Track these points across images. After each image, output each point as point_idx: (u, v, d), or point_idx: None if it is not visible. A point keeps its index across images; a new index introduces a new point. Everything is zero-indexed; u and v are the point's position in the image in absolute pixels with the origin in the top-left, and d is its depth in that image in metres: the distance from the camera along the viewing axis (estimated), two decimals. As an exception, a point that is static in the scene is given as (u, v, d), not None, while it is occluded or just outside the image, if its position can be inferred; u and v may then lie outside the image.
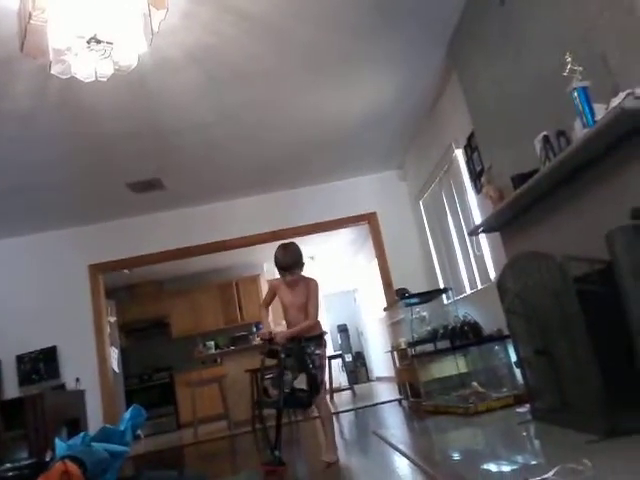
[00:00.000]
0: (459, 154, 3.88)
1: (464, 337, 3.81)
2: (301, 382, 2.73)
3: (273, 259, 2.85)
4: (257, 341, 7.04)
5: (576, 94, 1.98)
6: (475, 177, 3.60)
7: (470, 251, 3.99)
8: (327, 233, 5.78)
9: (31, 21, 2.03)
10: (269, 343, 2.84)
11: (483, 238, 3.66)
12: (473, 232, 3.25)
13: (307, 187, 5.40)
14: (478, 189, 3.54)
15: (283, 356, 2.76)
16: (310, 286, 2.86)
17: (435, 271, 4.91)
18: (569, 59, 2.01)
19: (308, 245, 6.37)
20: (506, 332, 3.12)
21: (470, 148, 3.61)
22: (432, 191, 4.68)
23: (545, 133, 2.31)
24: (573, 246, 2.20)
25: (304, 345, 2.80)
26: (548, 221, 2.54)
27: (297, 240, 5.17)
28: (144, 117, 3.47)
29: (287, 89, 3.54)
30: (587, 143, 1.93)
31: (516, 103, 2.69)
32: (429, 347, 4.12)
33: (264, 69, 3.23)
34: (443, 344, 3.96)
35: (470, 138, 3.56)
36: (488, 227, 3.10)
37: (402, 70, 3.61)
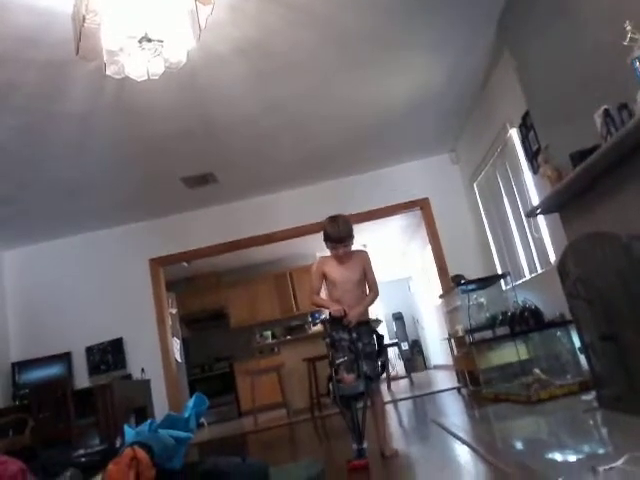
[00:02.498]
0: (514, 134, 3.75)
1: (524, 323, 3.69)
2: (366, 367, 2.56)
3: (323, 234, 2.66)
4: (317, 326, 7.11)
5: (638, 64, 1.87)
6: (531, 157, 3.47)
7: (528, 234, 3.86)
8: (379, 220, 5.72)
9: (85, 24, 2.10)
10: (339, 321, 2.59)
11: (542, 220, 3.53)
12: (531, 214, 3.14)
13: (357, 175, 5.37)
14: (535, 169, 3.42)
15: (355, 336, 2.56)
16: (365, 258, 2.72)
17: (492, 256, 4.79)
18: (629, 27, 1.90)
19: (360, 233, 6.32)
20: (569, 317, 3.01)
21: (525, 127, 3.48)
22: (486, 173, 4.55)
23: (606, 107, 2.19)
24: (639, 225, 2.09)
25: (373, 326, 2.70)
26: (611, 200, 2.41)
27: (361, 227, 5.18)
28: (195, 112, 3.55)
29: (333, 77, 3.53)
30: (653, 114, 1.82)
31: (573, 77, 2.56)
32: (487, 334, 4.03)
33: (310, 59, 3.23)
34: (502, 331, 3.86)
35: (525, 117, 3.43)
36: (546, 208, 2.98)
37: (451, 50, 3.52)
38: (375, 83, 3.74)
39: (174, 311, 6.44)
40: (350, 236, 2.64)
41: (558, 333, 3.60)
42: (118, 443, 2.80)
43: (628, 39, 1.89)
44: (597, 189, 2.49)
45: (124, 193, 4.69)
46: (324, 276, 2.72)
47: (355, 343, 2.57)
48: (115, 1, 2.04)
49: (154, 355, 5.20)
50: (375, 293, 2.73)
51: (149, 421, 2.30)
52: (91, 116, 3.27)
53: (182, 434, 2.18)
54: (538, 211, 3.04)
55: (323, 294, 2.80)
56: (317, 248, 7.83)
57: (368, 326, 2.70)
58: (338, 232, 2.61)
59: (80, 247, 5.46)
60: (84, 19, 2.09)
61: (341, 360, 2.55)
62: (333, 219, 2.70)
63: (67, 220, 5.05)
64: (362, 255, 2.75)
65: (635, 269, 1.85)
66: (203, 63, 2.87)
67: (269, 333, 7.98)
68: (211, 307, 8.12)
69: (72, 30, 2.22)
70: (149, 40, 2.06)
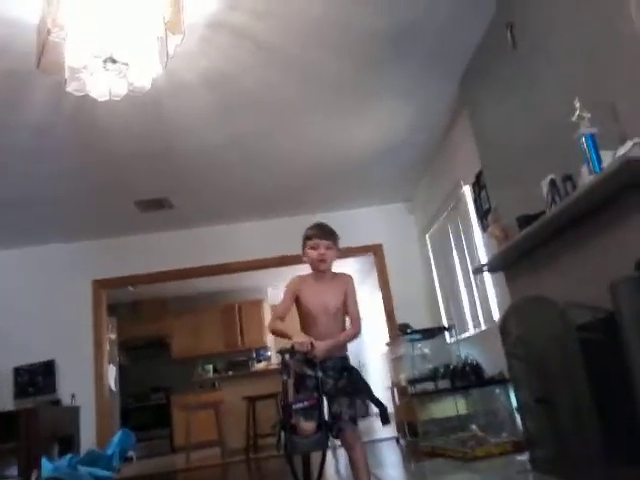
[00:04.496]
0: (467, 191, 3.87)
1: (465, 378, 3.73)
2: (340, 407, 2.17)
3: (303, 237, 2.34)
4: (261, 363, 6.94)
5: (584, 140, 1.97)
6: (482, 215, 3.58)
7: (474, 290, 3.95)
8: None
9: (49, 37, 2.07)
10: (303, 356, 2.17)
11: (488, 277, 3.62)
12: (477, 271, 3.21)
13: (313, 214, 5.36)
14: (484, 227, 3.52)
15: (320, 375, 2.14)
16: (348, 284, 2.33)
17: (439, 308, 4.86)
18: (578, 105, 2.01)
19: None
20: (508, 375, 3.05)
21: (478, 186, 3.60)
22: (439, 226, 4.66)
23: (552, 176, 2.29)
24: (577, 293, 2.16)
25: (345, 360, 2.27)
26: (552, 265, 2.50)
27: (301, 267, 5.16)
28: (156, 137, 3.52)
29: (298, 118, 3.59)
30: (593, 189, 1.91)
31: (525, 144, 2.68)
32: (429, 386, 4.04)
33: (275, 97, 3.27)
34: (444, 384, 3.88)
35: (478, 175, 3.55)
36: (492, 266, 3.06)
37: (414, 103, 3.64)
38: (339, 127, 3.81)
39: (113, 336, 6.22)
40: (334, 235, 2.35)
41: (497, 390, 3.65)
42: (34, 477, 2.62)
43: (576, 116, 1.99)
44: (540, 253, 2.57)
45: (73, 209, 4.56)
46: (296, 299, 2.32)
47: (322, 382, 2.14)
48: (82, 18, 2.02)
49: (87, 381, 4.97)
50: (356, 329, 2.33)
51: (69, 456, 2.18)
52: (48, 128, 3.20)
53: (103, 473, 2.07)
54: (485, 269, 3.11)
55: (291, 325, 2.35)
56: (269, 283, 7.78)
57: (341, 361, 2.28)
58: (321, 228, 2.35)
59: (21, 260, 5.22)
60: (49, 32, 2.06)
61: (300, 405, 2.12)
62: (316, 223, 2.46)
63: (9, 231, 4.84)
64: (345, 279, 2.37)
65: (570, 335, 1.90)
66: (169, 89, 2.87)
67: (210, 367, 7.77)
68: (153, 334, 7.88)
69: (35, 42, 2.18)
70: (114, 61, 2.04)
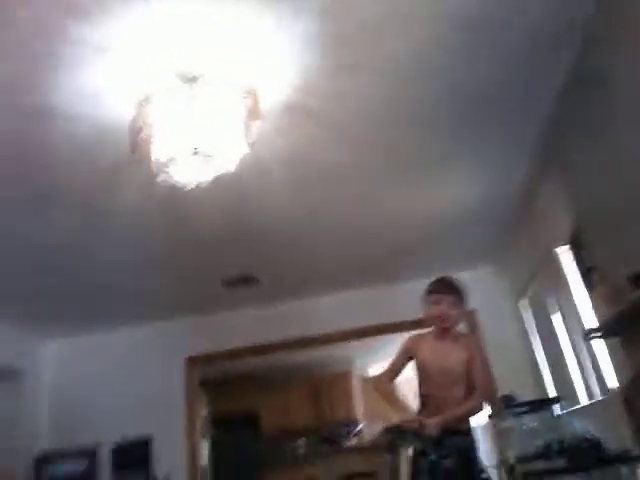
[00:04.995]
0: (563, 251, 3.61)
1: (583, 455, 3.33)
2: None
3: (424, 291, 2.18)
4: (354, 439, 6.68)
5: None
6: (584, 275, 3.30)
7: (585, 356, 3.59)
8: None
9: (141, 135, 2.20)
10: (413, 435, 1.92)
11: (598, 342, 3.28)
12: (588, 335, 2.93)
13: (400, 284, 5.22)
14: (589, 288, 3.24)
15: (434, 458, 1.88)
16: (474, 346, 2.13)
17: (542, 377, 4.47)
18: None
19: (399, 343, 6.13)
20: (636, 453, 2.69)
21: (576, 245, 3.34)
22: (535, 290, 4.37)
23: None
24: None
25: (470, 441, 2.01)
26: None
27: (391, 337, 5.00)
28: (238, 217, 3.61)
29: (376, 190, 3.57)
30: None
31: (631, 196, 2.46)
32: (541, 464, 3.65)
33: (352, 171, 3.28)
34: (559, 462, 3.48)
35: (575, 234, 3.31)
36: (605, 331, 2.78)
37: (496, 164, 3.50)
38: (418, 195, 3.74)
39: (204, 412, 6.23)
40: (461, 291, 2.14)
41: (624, 470, 3.22)
42: None
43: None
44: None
45: (164, 292, 4.72)
46: (411, 358, 2.11)
47: (436, 466, 1.88)
48: (168, 117, 2.13)
49: (180, 457, 4.96)
50: (483, 396, 2.05)
51: None
52: (139, 217, 3.37)
53: None
54: (596, 333, 2.83)
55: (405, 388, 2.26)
56: (356, 354, 7.60)
57: (463, 440, 2.00)
58: (445, 282, 2.17)
59: (116, 344, 5.43)
60: (140, 130, 2.19)
61: None
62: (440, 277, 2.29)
63: (106, 316, 5.10)
64: (471, 341, 2.20)
65: None
66: (248, 170, 2.93)
67: (303, 441, 7.57)
68: (242, 410, 7.82)
69: (128, 139, 2.32)
70: (198, 153, 2.11)
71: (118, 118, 2.38)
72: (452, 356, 2.08)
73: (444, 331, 2.12)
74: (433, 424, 1.92)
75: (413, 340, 2.18)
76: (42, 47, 1.92)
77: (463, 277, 5.06)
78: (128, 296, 4.72)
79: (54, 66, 2.02)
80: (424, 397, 2.07)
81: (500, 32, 2.32)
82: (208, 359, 5.35)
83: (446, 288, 2.16)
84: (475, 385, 2.06)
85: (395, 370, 2.16)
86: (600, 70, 2.45)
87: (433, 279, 2.23)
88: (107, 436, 5.04)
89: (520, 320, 4.82)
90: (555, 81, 2.74)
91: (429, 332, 2.18)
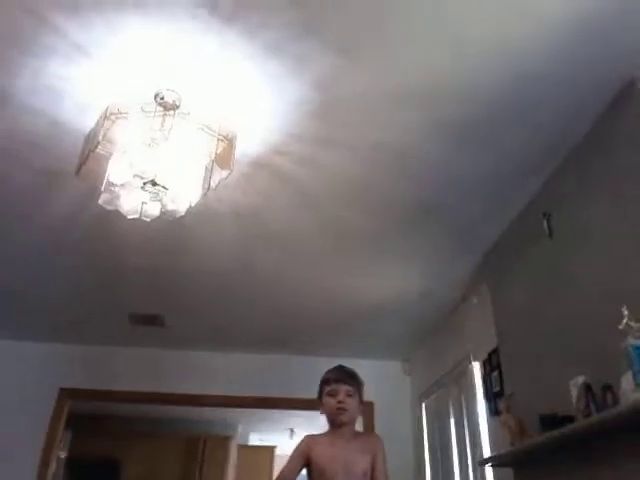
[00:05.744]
0: (476, 368, 3.68)
1: None
2: None
3: (320, 382, 2.02)
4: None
5: (631, 350, 1.84)
6: (491, 398, 3.36)
7: (471, 478, 3.59)
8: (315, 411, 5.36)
9: (97, 150, 2.03)
10: None
11: (489, 469, 3.30)
12: (482, 463, 2.94)
13: (305, 357, 5.11)
14: (492, 412, 3.28)
15: None
16: (377, 446, 1.94)
17: (426, 485, 4.42)
18: (626, 312, 1.91)
19: (290, 417, 5.96)
20: None
21: (490, 365, 3.42)
22: (438, 397, 4.40)
23: (585, 380, 2.14)
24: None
25: None
26: (575, 474, 2.25)
27: (281, 413, 4.77)
28: (167, 253, 3.42)
29: (314, 263, 3.53)
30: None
31: (552, 336, 2.56)
32: None
33: (298, 240, 3.24)
34: None
35: (492, 354, 3.39)
36: (501, 461, 2.79)
37: (432, 269, 3.59)
38: (352, 278, 3.74)
39: (63, 455, 5.60)
40: (357, 379, 2.01)
41: None
42: None
43: (624, 324, 1.89)
44: (563, 458, 2.33)
45: (63, 309, 4.31)
46: (307, 462, 1.90)
47: None
48: (135, 139, 1.99)
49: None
50: None
51: None
52: (65, 228, 3.10)
53: None
54: (491, 463, 2.84)
55: None
56: (240, 419, 7.25)
57: None
58: (341, 370, 2.03)
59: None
60: (97, 144, 2.02)
61: None
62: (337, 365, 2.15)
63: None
64: (373, 441, 1.99)
65: None
66: (193, 213, 2.80)
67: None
68: (104, 455, 7.12)
69: (81, 149, 2.14)
70: (154, 184, 1.97)
71: (75, 123, 2.20)
72: (357, 457, 1.90)
73: (341, 427, 1.94)
74: None
75: (306, 442, 1.96)
76: (16, 25, 1.76)
77: (367, 365, 5.11)
78: (29, 306, 4.28)
79: (23, 48, 1.85)
80: None
81: (490, 139, 2.39)
82: (85, 395, 4.86)
83: (342, 377, 2.01)
84: None
85: (290, 473, 1.91)
86: (550, 214, 2.60)
87: (330, 368, 2.10)
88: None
89: (418, 421, 4.80)
90: (507, 214, 2.89)
91: (322, 434, 1.98)
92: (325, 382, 2.02)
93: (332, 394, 1.97)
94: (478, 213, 2.94)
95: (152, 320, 4.44)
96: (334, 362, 4.86)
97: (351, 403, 1.96)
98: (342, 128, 2.28)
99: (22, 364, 4.83)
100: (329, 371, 2.07)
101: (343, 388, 1.97)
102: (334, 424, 1.97)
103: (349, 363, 5.09)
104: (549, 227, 2.62)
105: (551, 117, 2.22)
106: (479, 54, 1.92)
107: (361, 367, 5.11)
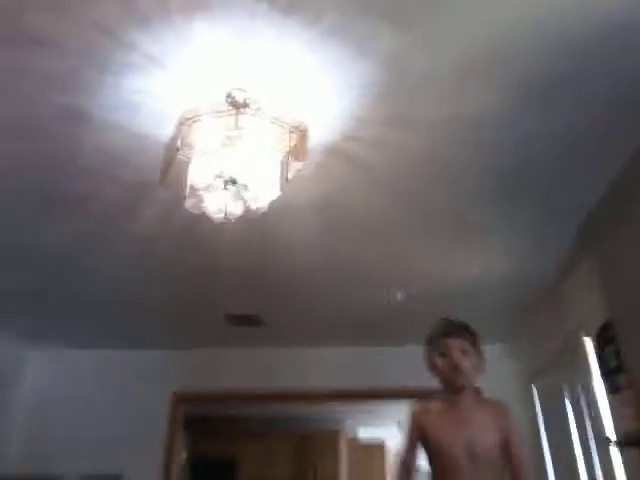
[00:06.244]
0: (588, 343, 3.43)
1: None
2: None
3: (425, 342, 1.78)
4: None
5: None
6: (608, 374, 3.12)
7: (596, 462, 3.35)
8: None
9: (177, 155, 2.11)
10: None
11: (616, 450, 3.06)
12: (604, 443, 2.73)
13: (401, 347, 5.01)
14: (612, 389, 3.04)
15: None
16: (507, 416, 1.64)
17: (546, 473, 4.19)
18: None
19: (397, 408, 5.91)
20: None
21: (604, 339, 3.17)
22: (550, 380, 4.15)
23: None
24: None
25: None
26: None
27: (389, 405, 4.72)
28: (256, 252, 3.48)
29: (400, 247, 3.45)
30: None
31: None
32: None
33: (381, 225, 3.17)
34: None
35: (604, 328, 3.14)
36: (626, 441, 2.58)
37: (527, 243, 3.39)
38: (445, 259, 3.62)
39: (184, 455, 5.92)
40: (468, 330, 1.71)
41: None
42: None
43: None
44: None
45: (163, 317, 4.56)
46: (421, 438, 1.62)
47: None
48: (211, 140, 2.04)
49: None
50: None
51: None
52: (155, 237, 3.26)
53: None
54: (614, 443, 2.64)
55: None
56: (349, 414, 7.28)
57: None
58: (450, 323, 1.75)
59: (105, 364, 5.20)
60: (177, 150, 2.10)
61: None
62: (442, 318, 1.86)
63: (99, 335, 4.93)
64: (502, 411, 1.66)
65: None
66: (276, 210, 2.84)
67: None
68: (222, 455, 7.45)
69: (162, 158, 2.24)
70: (234, 182, 2.01)
71: (155, 134, 2.30)
72: (478, 425, 1.57)
73: (459, 394, 1.62)
74: None
75: (419, 413, 1.67)
76: (92, 45, 1.84)
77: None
78: (127, 317, 4.56)
79: (101, 67, 1.94)
80: None
81: (564, 109, 2.24)
82: (196, 398, 5.11)
83: (452, 330, 1.72)
84: (514, 467, 1.57)
85: (408, 456, 1.65)
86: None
87: (436, 321, 1.80)
88: (75, 466, 4.70)
89: (530, 406, 4.57)
90: (608, 174, 2.67)
91: (436, 402, 1.68)
92: (431, 341, 1.76)
93: (442, 353, 1.69)
94: (570, 177, 2.73)
95: (249, 320, 4.57)
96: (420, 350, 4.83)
97: (467, 361, 1.67)
98: (411, 106, 2.20)
99: (134, 371, 5.16)
100: (436, 326, 1.79)
101: (455, 343, 1.68)
102: (449, 390, 1.68)
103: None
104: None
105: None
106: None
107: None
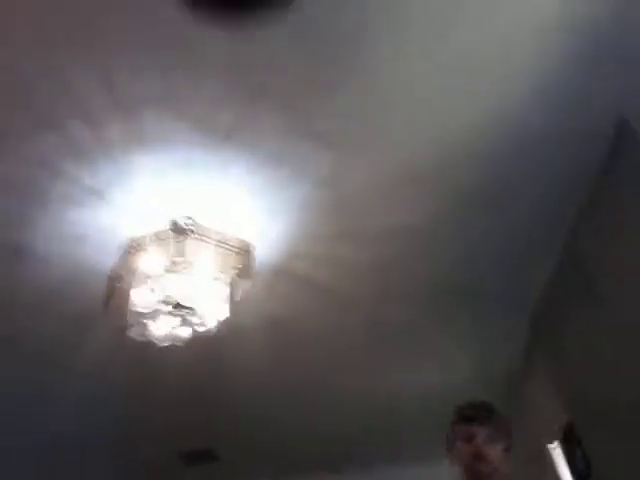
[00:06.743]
0: (556, 449, 3.35)
1: None
2: None
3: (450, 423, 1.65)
4: None
5: None
6: (579, 477, 3.02)
7: None
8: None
9: (120, 284, 2.08)
10: None
11: None
12: None
13: (378, 470, 4.74)
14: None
15: None
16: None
17: None
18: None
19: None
20: None
21: (569, 442, 3.11)
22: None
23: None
24: None
25: None
26: None
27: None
28: (208, 382, 3.35)
29: (353, 362, 3.40)
30: None
31: (629, 394, 2.33)
32: None
33: (333, 344, 3.15)
34: None
35: (567, 430, 3.09)
36: None
37: (478, 351, 3.42)
38: (398, 375, 3.58)
39: None
40: (498, 417, 1.60)
41: None
42: None
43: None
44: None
45: (109, 460, 4.21)
46: None
47: None
48: (155, 268, 2.04)
49: None
50: None
51: None
52: (100, 374, 3.09)
53: None
54: None
55: None
56: None
57: None
58: (476, 407, 1.62)
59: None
60: (120, 278, 2.08)
61: None
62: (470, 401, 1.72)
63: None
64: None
65: None
66: (225, 331, 2.77)
67: None
68: None
69: (105, 288, 2.20)
70: (180, 307, 1.99)
71: (96, 264, 2.27)
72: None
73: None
74: None
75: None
76: (32, 179, 1.87)
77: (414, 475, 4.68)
78: (72, 467, 4.18)
79: (42, 203, 1.96)
80: None
81: (501, 211, 2.37)
82: None
83: (478, 415, 1.57)
84: None
85: None
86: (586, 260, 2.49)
87: (460, 404, 1.65)
88: None
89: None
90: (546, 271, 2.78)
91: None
92: (456, 423, 1.62)
93: (467, 438, 1.55)
94: (505, 286, 2.84)
95: (203, 455, 4.26)
96: (388, 470, 4.58)
97: (494, 451, 1.54)
98: (353, 220, 2.29)
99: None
100: (460, 408, 1.65)
101: (480, 431, 1.54)
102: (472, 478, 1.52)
103: (394, 470, 4.65)
104: (587, 282, 2.49)
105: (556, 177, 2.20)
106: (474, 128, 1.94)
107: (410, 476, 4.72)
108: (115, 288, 2.06)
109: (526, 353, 3.43)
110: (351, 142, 1.97)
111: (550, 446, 3.38)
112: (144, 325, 2.07)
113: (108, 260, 2.21)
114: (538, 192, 2.29)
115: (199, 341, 2.31)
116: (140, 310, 2.02)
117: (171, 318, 2.04)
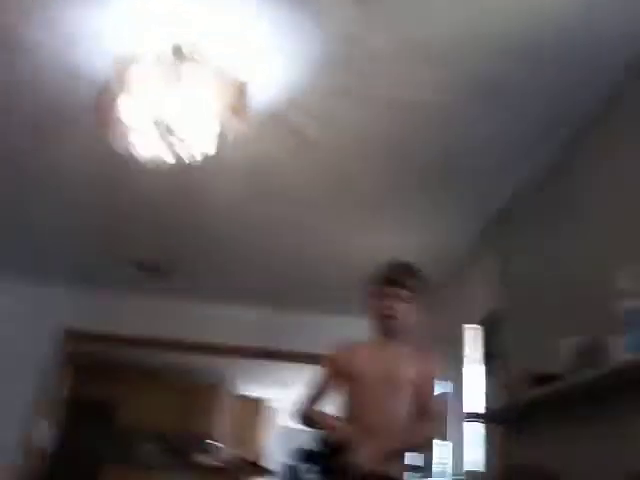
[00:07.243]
0: (471, 331, 3.75)
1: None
2: None
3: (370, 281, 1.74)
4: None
5: (626, 313, 1.88)
6: (488, 360, 3.43)
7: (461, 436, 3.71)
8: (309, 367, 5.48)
9: (113, 92, 2.04)
10: (327, 458, 1.51)
11: (480, 426, 3.41)
12: (472, 418, 3.05)
13: (313, 316, 5.18)
14: (489, 373, 3.37)
15: None
16: (432, 365, 1.72)
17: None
18: (623, 275, 1.94)
19: (283, 370, 6.10)
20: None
21: (486, 328, 3.49)
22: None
23: (578, 339, 2.19)
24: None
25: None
26: (559, 436, 2.34)
27: (276, 365, 4.84)
28: (179, 204, 3.47)
29: (323, 217, 3.60)
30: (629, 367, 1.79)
31: (551, 296, 2.60)
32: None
33: (309, 192, 3.26)
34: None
35: (489, 317, 3.44)
36: (492, 418, 2.90)
37: (434, 230, 3.68)
38: (360, 235, 3.81)
39: (65, 394, 5.73)
40: (415, 279, 1.68)
41: None
42: None
43: (620, 286, 1.92)
44: (548, 419, 2.42)
45: (67, 246, 4.36)
46: (341, 374, 1.63)
47: None
48: (150, 84, 1.99)
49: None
50: (433, 427, 1.66)
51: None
52: (78, 172, 3.15)
53: None
54: (482, 419, 2.95)
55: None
56: (235, 370, 7.36)
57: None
58: (396, 267, 1.71)
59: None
60: (114, 86, 2.03)
61: None
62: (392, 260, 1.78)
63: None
64: (426, 359, 1.71)
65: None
66: (207, 166, 2.80)
67: (154, 447, 7.16)
68: (99, 397, 7.23)
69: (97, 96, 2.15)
70: (170, 131, 1.99)
71: (92, 70, 2.20)
72: (399, 364, 1.61)
73: (391, 334, 1.64)
74: (372, 450, 1.41)
75: (341, 356, 1.66)
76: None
77: (361, 323, 5.16)
78: (31, 244, 4.35)
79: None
80: (352, 419, 1.54)
81: (507, 99, 2.38)
82: (88, 337, 4.96)
83: (395, 276, 1.67)
84: (426, 412, 1.59)
85: (318, 392, 1.67)
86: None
87: (386, 263, 1.74)
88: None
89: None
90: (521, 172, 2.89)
91: (366, 343, 1.72)
92: (373, 281, 1.72)
93: (385, 295, 1.65)
94: (492, 175, 2.95)
95: (157, 266, 4.50)
96: (332, 319, 4.99)
97: (403, 308, 1.64)
98: (358, 82, 2.27)
99: (26, 305, 4.94)
100: (385, 268, 1.72)
101: (392, 291, 1.64)
102: (381, 332, 1.67)
103: (340, 321, 5.12)
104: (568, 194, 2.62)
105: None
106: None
107: (354, 325, 5.21)
108: (106, 97, 2.02)
109: (481, 240, 3.67)
110: (379, 3, 1.89)
111: (469, 327, 3.78)
112: (129, 140, 2.08)
113: (103, 68, 2.14)
114: (546, 95, 2.30)
115: (181, 169, 2.35)
116: (128, 124, 2.01)
117: (158, 141, 2.05)
